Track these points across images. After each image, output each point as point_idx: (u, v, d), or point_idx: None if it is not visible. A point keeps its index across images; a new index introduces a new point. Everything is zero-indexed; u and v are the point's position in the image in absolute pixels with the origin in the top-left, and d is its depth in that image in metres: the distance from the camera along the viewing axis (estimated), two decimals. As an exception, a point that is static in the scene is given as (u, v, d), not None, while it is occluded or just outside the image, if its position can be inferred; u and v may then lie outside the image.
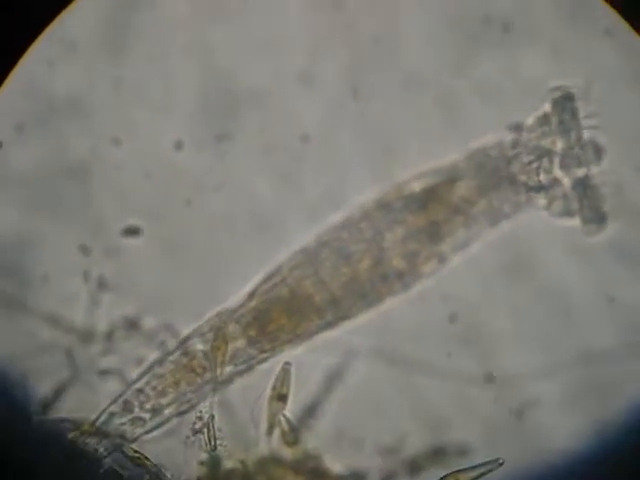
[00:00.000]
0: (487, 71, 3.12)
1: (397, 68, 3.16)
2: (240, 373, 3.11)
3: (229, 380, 3.10)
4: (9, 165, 3.20)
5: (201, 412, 3.09)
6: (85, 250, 3.18)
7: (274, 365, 3.09)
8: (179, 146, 3.18)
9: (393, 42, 3.15)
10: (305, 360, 3.10)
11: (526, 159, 3.07)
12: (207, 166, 3.18)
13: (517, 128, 3.10)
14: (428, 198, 3.07)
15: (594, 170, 3.06)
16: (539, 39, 3.11)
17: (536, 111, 3.09)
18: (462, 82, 3.13)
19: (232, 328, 3.10)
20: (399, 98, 3.16)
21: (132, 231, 3.19)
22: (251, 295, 3.11)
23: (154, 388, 3.10)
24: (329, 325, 3.09)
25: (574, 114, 3.06)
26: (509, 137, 3.10)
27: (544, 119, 3.08)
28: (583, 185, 3.06)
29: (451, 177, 3.08)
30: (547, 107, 3.08)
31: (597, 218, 3.06)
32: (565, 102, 3.06)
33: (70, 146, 3.20)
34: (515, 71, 3.12)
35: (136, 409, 3.09)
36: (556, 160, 3.07)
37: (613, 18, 3.06)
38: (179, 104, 3.18)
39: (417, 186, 3.09)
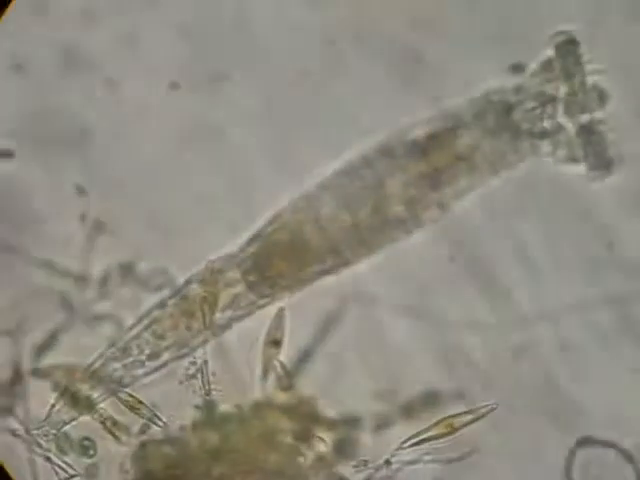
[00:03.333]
0: (487, 13, 3.10)
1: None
2: (239, 318, 3.11)
3: (227, 325, 3.10)
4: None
5: (195, 357, 3.08)
6: (81, 191, 3.15)
7: (273, 310, 3.09)
8: (174, 86, 3.14)
9: None
10: (301, 305, 3.10)
11: (529, 105, 3.06)
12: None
13: (519, 72, 3.08)
14: (430, 145, 3.06)
15: (598, 116, 3.04)
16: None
17: (539, 55, 3.08)
18: (461, 24, 3.10)
19: (232, 273, 3.09)
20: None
21: (125, 173, 3.16)
22: (251, 240, 3.09)
23: (153, 332, 3.09)
24: (329, 271, 3.08)
25: (577, 59, 3.03)
26: (511, 82, 3.08)
27: (547, 64, 3.06)
28: (588, 131, 3.05)
29: (454, 124, 3.06)
30: (550, 52, 3.06)
31: (602, 164, 3.05)
32: (568, 47, 3.04)
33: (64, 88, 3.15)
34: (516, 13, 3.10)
35: (134, 353, 3.09)
36: (560, 106, 3.05)
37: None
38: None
39: (420, 132, 3.07)
